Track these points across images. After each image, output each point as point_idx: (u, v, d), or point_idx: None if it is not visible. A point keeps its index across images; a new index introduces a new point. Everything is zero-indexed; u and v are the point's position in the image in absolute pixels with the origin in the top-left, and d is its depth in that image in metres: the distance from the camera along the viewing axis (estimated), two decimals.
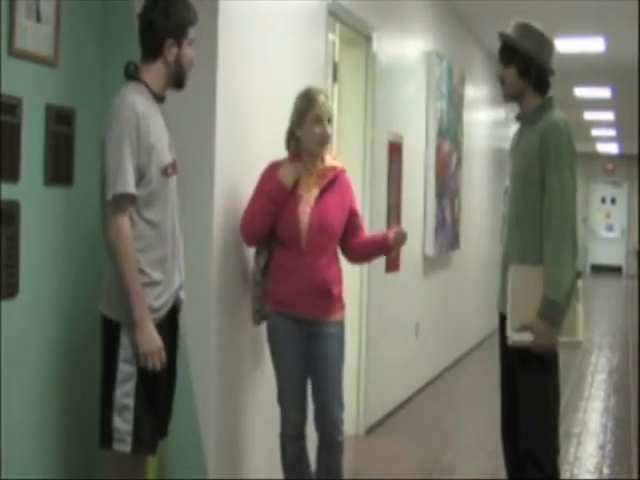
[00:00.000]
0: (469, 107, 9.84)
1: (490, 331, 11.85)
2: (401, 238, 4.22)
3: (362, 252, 4.36)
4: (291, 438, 4.20)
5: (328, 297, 4.13)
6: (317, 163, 4.19)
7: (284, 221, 4.12)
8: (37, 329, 3.61)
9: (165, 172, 3.39)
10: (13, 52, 3.38)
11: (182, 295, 3.57)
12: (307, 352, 4.15)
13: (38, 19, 3.51)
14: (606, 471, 5.87)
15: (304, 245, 4.09)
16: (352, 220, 4.27)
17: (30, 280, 3.52)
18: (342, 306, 4.23)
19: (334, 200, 4.17)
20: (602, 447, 6.44)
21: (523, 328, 3.72)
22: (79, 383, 3.81)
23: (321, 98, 4.16)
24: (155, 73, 3.43)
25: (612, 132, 19.38)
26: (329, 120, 4.15)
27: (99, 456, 3.70)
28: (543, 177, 3.76)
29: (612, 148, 23.00)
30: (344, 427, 4.20)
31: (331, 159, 4.27)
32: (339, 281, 4.20)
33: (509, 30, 3.98)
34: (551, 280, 3.68)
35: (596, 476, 5.72)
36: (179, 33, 3.43)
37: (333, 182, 4.20)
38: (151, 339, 3.28)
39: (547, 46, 3.95)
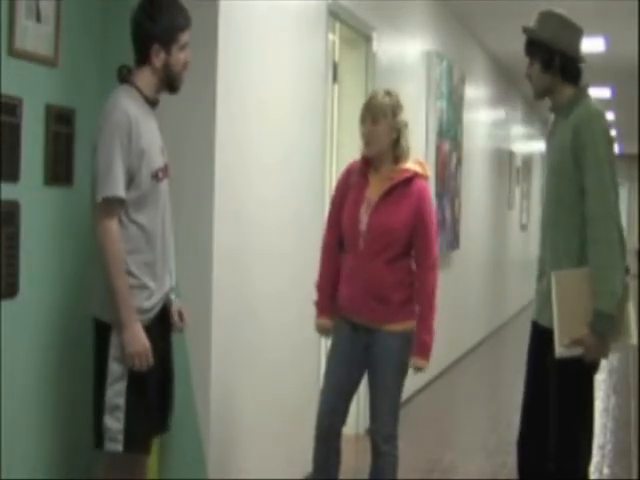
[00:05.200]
0: (469, 107, 9.83)
1: (490, 331, 11.87)
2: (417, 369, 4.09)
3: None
4: (319, 439, 4.12)
5: (385, 304, 3.98)
6: (386, 166, 4.03)
7: (346, 223, 4.06)
8: (37, 329, 3.60)
9: (156, 176, 3.39)
10: (13, 52, 3.38)
11: (172, 296, 3.58)
12: (365, 361, 4.07)
13: (38, 19, 3.51)
14: (606, 471, 5.87)
15: (362, 247, 3.99)
16: (419, 235, 4.00)
17: (30, 280, 3.51)
18: (407, 316, 4.04)
19: (399, 202, 3.98)
20: (602, 447, 6.43)
21: (573, 343, 3.52)
22: (80, 383, 3.81)
23: (371, 97, 4.05)
24: (146, 77, 3.43)
25: (612, 132, 19.36)
26: (373, 119, 3.98)
27: (99, 457, 3.70)
28: (578, 174, 3.56)
29: None
30: (395, 442, 4.07)
31: (411, 163, 4.06)
32: (403, 288, 4.01)
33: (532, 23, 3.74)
34: (603, 291, 3.47)
35: (596, 476, 5.72)
36: (167, 39, 3.39)
37: (404, 185, 4.00)
38: (137, 340, 3.28)
39: (571, 31, 3.71)
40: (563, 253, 3.63)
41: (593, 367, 3.67)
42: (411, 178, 4.03)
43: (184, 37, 3.44)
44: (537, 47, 3.70)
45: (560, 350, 3.56)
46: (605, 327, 3.51)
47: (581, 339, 3.52)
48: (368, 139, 4.02)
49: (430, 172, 4.21)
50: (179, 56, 3.43)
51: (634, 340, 3.64)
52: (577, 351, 3.54)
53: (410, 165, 4.06)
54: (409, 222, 3.98)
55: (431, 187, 8.05)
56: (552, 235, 3.69)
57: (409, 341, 4.05)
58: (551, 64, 3.68)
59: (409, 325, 4.05)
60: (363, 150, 4.07)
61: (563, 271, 3.60)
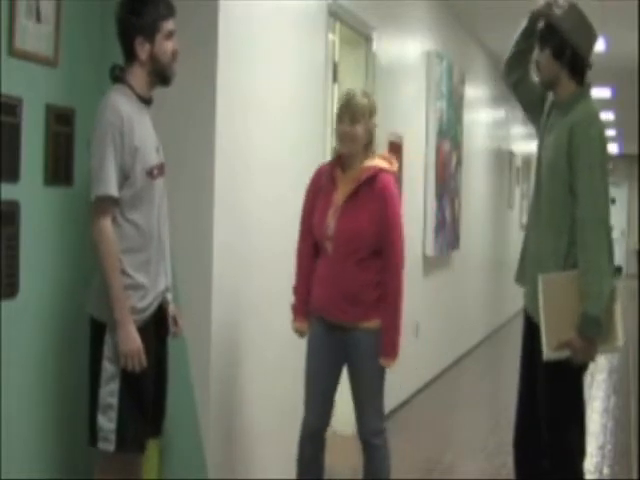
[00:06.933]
0: (469, 107, 9.83)
1: (490, 331, 11.87)
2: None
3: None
4: (307, 440, 4.16)
5: (359, 303, 3.99)
6: (354, 167, 4.03)
7: (315, 227, 4.08)
8: (37, 329, 3.60)
9: (151, 174, 3.39)
10: (13, 52, 3.38)
11: (169, 297, 3.57)
12: (343, 360, 4.10)
13: (38, 19, 3.51)
14: (606, 471, 5.87)
15: (332, 250, 4.01)
16: (386, 231, 3.97)
17: (30, 280, 3.51)
18: (380, 314, 4.03)
19: (364, 203, 3.97)
20: (602, 447, 6.43)
21: (561, 346, 3.53)
22: (79, 382, 3.81)
23: (348, 95, 4.04)
24: (137, 74, 3.42)
25: (612, 132, 19.38)
26: (352, 118, 3.97)
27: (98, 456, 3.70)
28: (571, 176, 3.56)
29: (612, 148, 23.00)
30: (383, 435, 4.13)
31: (378, 159, 4.06)
32: (373, 287, 3.99)
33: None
34: (590, 295, 3.48)
35: (596, 476, 5.72)
36: (149, 30, 3.38)
37: (368, 184, 3.98)
38: (131, 340, 3.29)
39: (586, 30, 3.70)
40: (551, 251, 3.64)
41: (582, 366, 3.68)
42: (375, 175, 4.00)
43: (167, 26, 3.41)
44: (553, 33, 3.68)
45: (548, 353, 3.57)
46: (592, 330, 3.51)
47: (568, 342, 3.53)
48: (345, 138, 4.00)
49: (396, 165, 4.15)
50: (165, 46, 3.41)
51: (621, 342, 3.64)
52: (565, 354, 3.55)
53: (375, 161, 4.04)
54: (375, 222, 3.96)
55: (431, 187, 8.09)
56: (542, 231, 3.69)
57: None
58: (562, 53, 3.66)
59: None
60: (338, 148, 4.06)
61: (550, 275, 3.60)
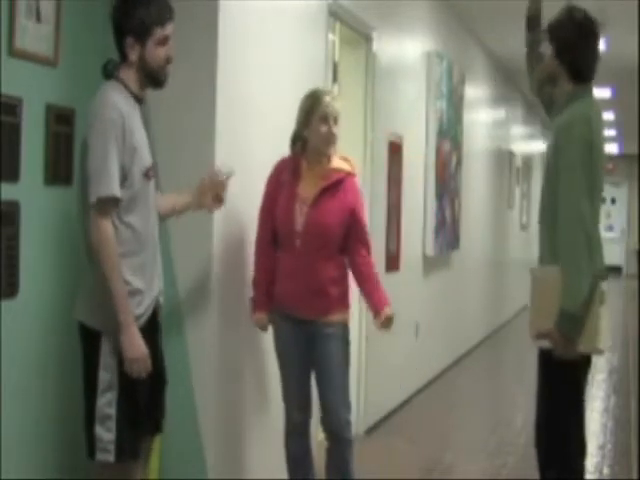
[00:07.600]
0: (469, 107, 9.84)
1: (490, 331, 11.86)
2: (386, 325, 4.21)
3: (359, 287, 4.31)
4: (293, 436, 4.26)
5: (325, 298, 4.11)
6: (322, 164, 4.16)
7: (280, 222, 4.13)
8: (37, 329, 3.60)
9: (146, 175, 3.35)
10: (13, 52, 3.38)
11: (161, 300, 3.53)
12: (310, 353, 4.18)
13: (38, 19, 3.50)
14: (606, 471, 5.87)
15: (299, 245, 4.09)
16: (355, 229, 4.18)
17: (30, 280, 3.51)
18: (343, 307, 4.20)
19: (334, 202, 4.11)
20: (602, 447, 6.43)
21: (541, 336, 3.58)
22: (80, 384, 3.81)
23: (327, 98, 4.15)
24: (128, 73, 3.37)
25: (612, 132, 19.37)
26: (335, 120, 4.12)
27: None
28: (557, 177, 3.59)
29: (612, 148, 23.00)
30: (351, 427, 4.21)
31: (341, 161, 4.22)
32: (339, 282, 4.15)
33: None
34: (567, 290, 3.51)
35: (596, 476, 5.72)
36: (140, 32, 3.31)
37: (337, 185, 4.14)
38: (136, 346, 3.22)
39: (588, 35, 3.67)
40: (548, 249, 3.68)
41: (582, 366, 3.67)
42: (343, 177, 4.17)
43: (161, 32, 3.35)
44: (558, 31, 3.68)
45: (533, 341, 3.65)
46: (568, 327, 3.53)
47: (546, 332, 3.56)
48: (333, 139, 4.13)
49: (357, 168, 4.44)
50: (156, 51, 3.35)
51: (602, 345, 3.63)
52: (547, 345, 3.60)
53: (339, 162, 4.19)
54: (344, 220, 4.12)
55: (431, 187, 8.09)
56: (541, 232, 3.75)
57: (346, 330, 4.20)
58: (562, 54, 3.66)
59: (346, 316, 4.21)
60: (324, 149, 4.12)
61: (539, 269, 3.69)
